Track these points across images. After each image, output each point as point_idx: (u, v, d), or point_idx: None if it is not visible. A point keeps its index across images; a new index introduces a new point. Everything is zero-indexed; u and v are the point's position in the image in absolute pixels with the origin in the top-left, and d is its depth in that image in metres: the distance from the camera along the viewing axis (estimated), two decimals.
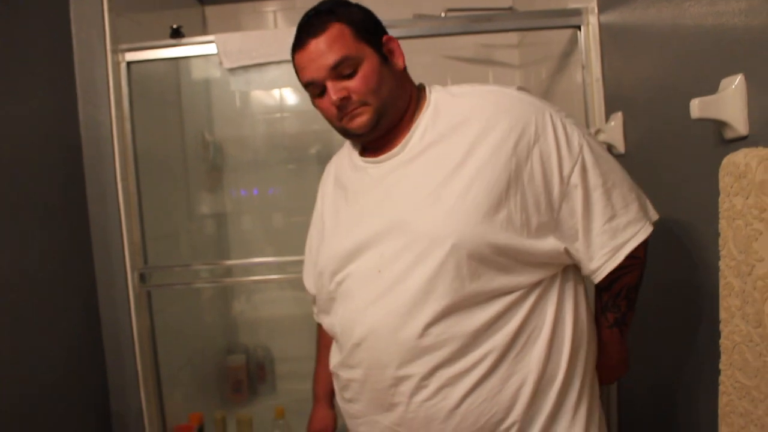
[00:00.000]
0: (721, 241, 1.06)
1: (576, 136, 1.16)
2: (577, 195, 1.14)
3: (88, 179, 1.97)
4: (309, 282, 1.45)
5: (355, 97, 1.18)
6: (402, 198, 1.17)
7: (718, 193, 1.07)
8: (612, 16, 1.76)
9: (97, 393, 1.96)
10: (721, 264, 1.06)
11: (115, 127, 1.97)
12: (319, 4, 1.23)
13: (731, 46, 1.16)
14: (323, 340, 1.48)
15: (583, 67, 1.91)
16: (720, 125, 1.16)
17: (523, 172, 1.13)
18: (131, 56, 2.02)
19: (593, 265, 1.18)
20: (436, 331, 1.11)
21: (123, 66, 2.01)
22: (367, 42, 1.20)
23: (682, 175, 1.40)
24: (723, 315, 1.07)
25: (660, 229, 1.51)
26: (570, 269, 1.22)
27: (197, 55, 2.07)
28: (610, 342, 1.29)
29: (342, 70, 1.17)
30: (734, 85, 1.11)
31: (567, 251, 1.17)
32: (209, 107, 2.95)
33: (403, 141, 1.22)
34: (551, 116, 1.16)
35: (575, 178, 1.14)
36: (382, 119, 1.20)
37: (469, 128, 1.16)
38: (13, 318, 1.57)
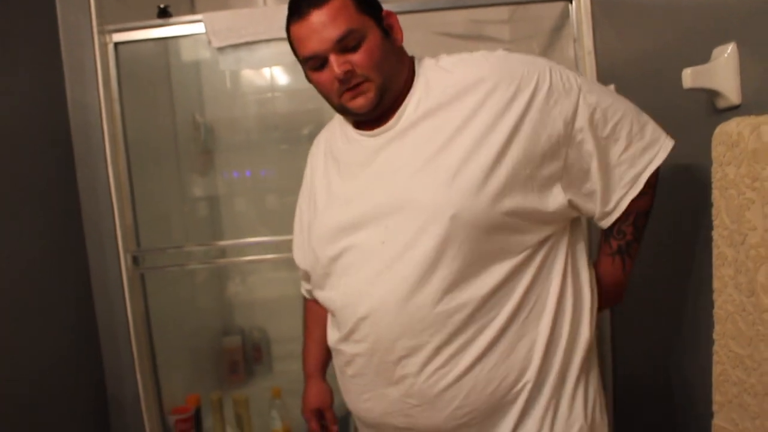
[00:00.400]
0: (714, 211, 1.06)
1: (572, 79, 1.15)
2: (585, 137, 1.13)
3: (78, 162, 1.95)
4: (299, 256, 1.43)
5: (359, 71, 1.14)
6: (400, 169, 1.15)
7: (710, 164, 1.06)
8: None
9: (94, 377, 1.96)
10: (714, 234, 1.06)
11: (104, 109, 1.94)
12: None
13: (723, 14, 1.15)
14: (312, 315, 1.47)
15: (574, 41, 1.90)
16: (712, 95, 1.16)
17: (521, 127, 1.11)
18: (118, 37, 1.99)
19: (613, 200, 1.17)
20: (448, 298, 1.10)
21: (110, 47, 1.98)
22: (369, 15, 1.17)
23: (675, 145, 1.39)
24: (716, 285, 1.07)
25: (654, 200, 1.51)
26: (572, 226, 1.22)
27: (185, 34, 2.05)
28: (608, 272, 1.27)
29: (347, 42, 1.13)
30: (726, 54, 1.11)
31: (571, 202, 1.17)
32: (199, 88, 2.92)
33: (398, 113, 1.20)
34: (543, 68, 1.14)
35: (580, 123, 1.13)
36: (384, 97, 1.18)
37: (466, 95, 1.14)
38: (6, 303, 1.56)
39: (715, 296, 1.07)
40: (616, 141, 1.15)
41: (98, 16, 1.93)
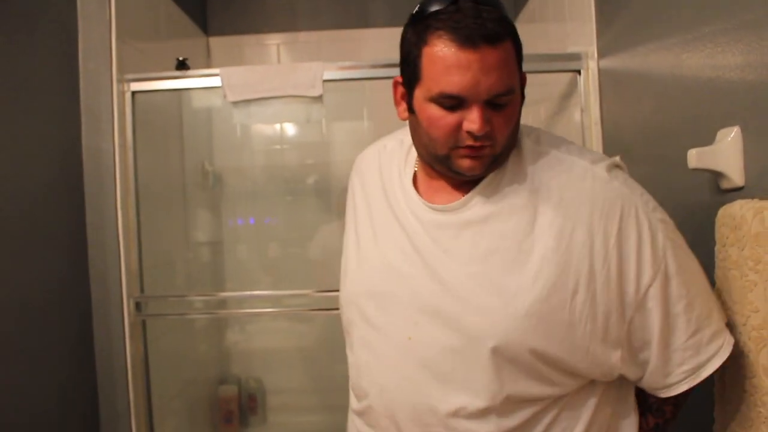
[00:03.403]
0: (716, 291, 1.07)
1: (661, 238, 0.98)
2: (655, 307, 0.97)
3: (89, 206, 1.97)
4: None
5: (493, 134, 0.96)
6: (451, 269, 1.00)
7: (714, 242, 1.08)
8: (612, 62, 1.79)
9: (89, 421, 1.95)
10: None
11: (117, 155, 1.98)
12: (491, 3, 0.95)
13: (728, 98, 1.18)
14: None
15: (582, 110, 1.94)
16: (717, 175, 1.18)
17: (596, 276, 0.96)
18: (137, 86, 2.04)
19: (667, 382, 1.01)
20: (461, 427, 0.98)
21: (128, 95, 2.03)
22: (520, 71, 1.00)
23: (678, 223, 1.41)
24: None
25: None
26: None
27: (201, 87, 2.10)
28: None
29: (500, 100, 0.94)
30: (730, 137, 1.13)
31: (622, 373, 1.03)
32: (210, 137, 2.97)
33: (467, 196, 1.03)
34: (637, 211, 0.98)
35: (654, 290, 0.96)
36: (492, 166, 1.01)
37: (544, 210, 0.99)
38: (7, 342, 1.56)
39: (716, 376, 1.08)
40: (687, 322, 0.98)
41: (118, 66, 1.99)
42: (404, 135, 1.14)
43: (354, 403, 1.15)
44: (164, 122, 2.51)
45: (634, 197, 1.00)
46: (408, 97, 1.01)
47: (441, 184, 1.06)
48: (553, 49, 2.30)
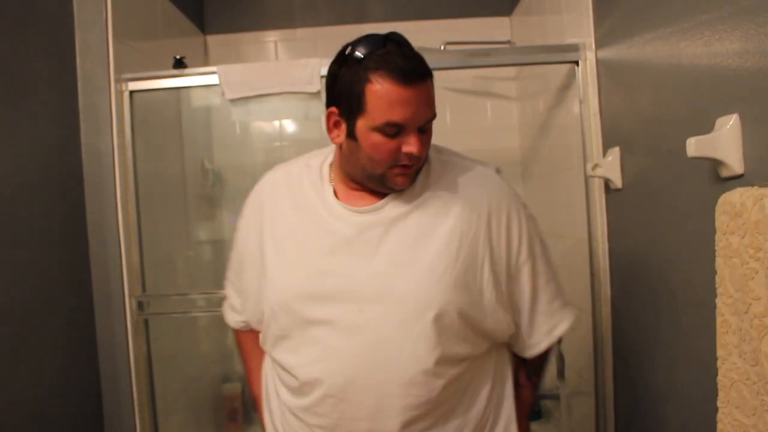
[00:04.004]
0: (717, 279, 1.07)
1: (531, 228, 1.29)
2: (527, 279, 1.26)
3: (89, 206, 1.97)
4: (238, 302, 1.41)
5: (422, 155, 1.18)
6: (385, 258, 1.18)
7: (714, 230, 1.08)
8: (609, 52, 1.79)
9: (93, 420, 1.95)
10: (718, 302, 1.07)
11: (116, 155, 1.98)
12: (408, 45, 1.18)
13: (726, 86, 1.18)
14: (250, 345, 1.44)
15: (580, 102, 1.94)
16: (716, 163, 1.18)
17: (494, 252, 1.23)
18: (134, 85, 2.04)
19: (532, 341, 1.31)
20: (414, 391, 1.16)
21: (126, 95, 2.03)
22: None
23: (679, 211, 1.41)
24: (720, 353, 1.08)
25: (657, 264, 1.53)
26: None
27: (199, 85, 2.09)
28: (529, 398, 1.41)
29: (427, 126, 1.18)
30: (729, 125, 1.13)
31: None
32: (209, 135, 2.97)
33: (387, 197, 1.23)
34: (518, 206, 1.28)
35: (527, 266, 1.26)
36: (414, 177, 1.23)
37: (454, 201, 1.23)
38: (11, 343, 1.56)
39: (718, 364, 1.08)
40: (547, 292, 1.30)
41: (116, 65, 1.99)
42: (309, 159, 1.35)
43: (294, 401, 1.26)
44: (163, 121, 2.51)
45: (514, 195, 1.29)
46: (348, 126, 1.17)
47: (361, 194, 1.24)
48: (551, 40, 2.30)
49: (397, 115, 1.12)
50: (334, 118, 1.20)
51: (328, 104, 1.21)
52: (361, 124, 1.15)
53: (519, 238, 1.25)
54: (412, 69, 1.12)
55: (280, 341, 1.26)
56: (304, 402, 1.23)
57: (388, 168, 1.17)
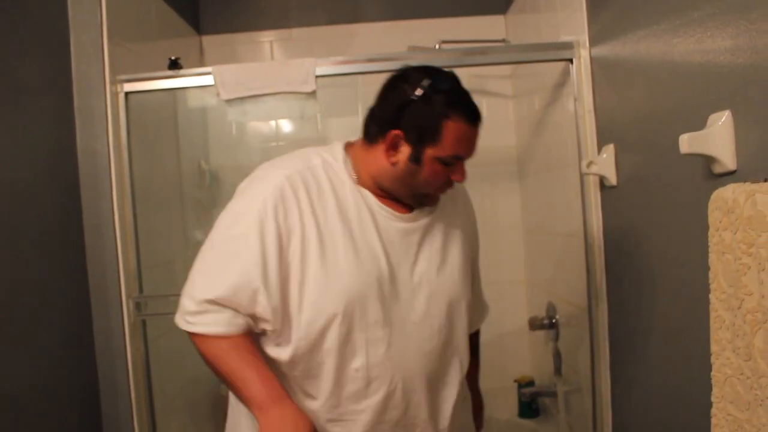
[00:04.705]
0: (711, 275, 1.08)
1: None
2: (477, 264, 1.58)
3: (85, 208, 1.98)
4: (260, 299, 1.25)
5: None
6: (425, 260, 1.36)
7: (707, 226, 1.09)
8: (603, 50, 1.80)
9: (91, 422, 1.95)
10: (712, 297, 1.08)
11: (112, 156, 1.98)
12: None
13: (718, 82, 1.19)
14: (251, 346, 1.28)
15: (575, 99, 1.95)
16: (709, 160, 1.18)
17: (472, 243, 1.51)
18: (130, 87, 2.04)
19: (477, 318, 1.61)
20: (432, 358, 1.36)
21: (121, 96, 2.03)
22: None
23: (672, 207, 1.42)
24: (714, 348, 1.08)
25: (652, 261, 1.54)
26: None
27: (195, 86, 2.10)
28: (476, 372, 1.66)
29: None
30: (722, 122, 1.14)
31: None
32: (205, 136, 2.97)
33: (419, 210, 1.38)
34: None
35: (478, 253, 1.58)
36: None
37: (453, 205, 1.46)
38: (8, 345, 1.57)
39: (712, 359, 1.08)
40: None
41: (111, 67, 1.99)
42: (323, 153, 1.37)
43: (353, 405, 1.30)
44: (159, 122, 2.51)
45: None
46: (414, 151, 1.27)
47: (389, 201, 1.35)
48: (545, 39, 2.30)
49: (462, 150, 1.28)
50: (398, 141, 1.28)
51: (391, 126, 1.27)
52: (430, 153, 1.27)
53: (476, 232, 1.56)
54: (478, 112, 1.29)
55: (341, 347, 1.27)
56: (371, 401, 1.30)
57: (433, 188, 1.33)
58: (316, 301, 1.26)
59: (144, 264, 2.11)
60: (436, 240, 1.38)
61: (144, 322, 2.08)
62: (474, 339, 1.61)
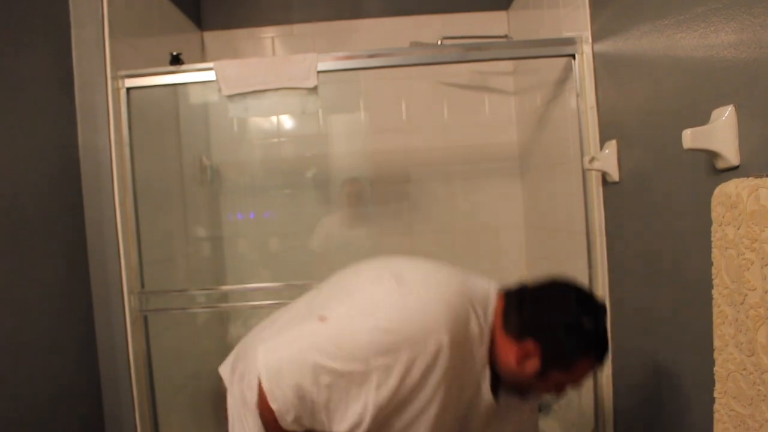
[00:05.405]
0: (714, 270, 1.08)
1: None
2: None
3: (87, 203, 1.97)
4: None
5: None
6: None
7: (710, 222, 1.08)
8: (606, 46, 1.79)
9: (93, 417, 1.96)
10: (715, 292, 1.08)
11: (114, 152, 1.98)
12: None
13: (722, 77, 1.18)
14: None
15: (577, 95, 1.94)
16: (712, 155, 1.18)
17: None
18: (131, 82, 2.04)
19: None
20: None
21: (123, 92, 2.03)
22: None
23: (675, 203, 1.41)
24: (717, 343, 1.08)
25: (654, 257, 1.53)
26: None
27: (196, 81, 2.09)
28: None
29: None
30: (725, 117, 1.13)
31: None
32: (207, 132, 2.97)
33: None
34: None
35: None
36: None
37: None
38: (10, 341, 1.57)
39: (715, 354, 1.08)
40: None
41: (112, 62, 1.99)
42: (475, 306, 1.29)
43: None
44: (160, 118, 2.50)
45: None
46: (543, 368, 1.25)
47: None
48: (548, 34, 2.30)
49: (581, 381, 1.31)
50: (532, 353, 1.25)
51: (529, 335, 1.25)
52: (556, 376, 1.28)
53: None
54: (606, 351, 1.30)
55: None
56: None
57: (544, 394, 1.39)
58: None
59: (145, 259, 2.11)
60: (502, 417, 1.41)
61: (145, 318, 2.08)
62: None
